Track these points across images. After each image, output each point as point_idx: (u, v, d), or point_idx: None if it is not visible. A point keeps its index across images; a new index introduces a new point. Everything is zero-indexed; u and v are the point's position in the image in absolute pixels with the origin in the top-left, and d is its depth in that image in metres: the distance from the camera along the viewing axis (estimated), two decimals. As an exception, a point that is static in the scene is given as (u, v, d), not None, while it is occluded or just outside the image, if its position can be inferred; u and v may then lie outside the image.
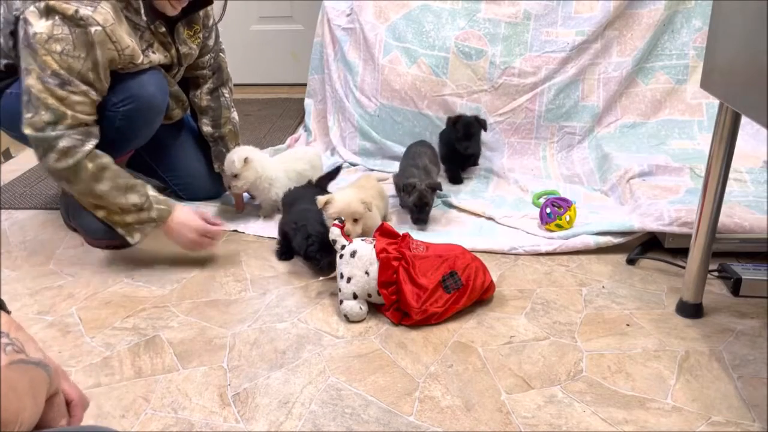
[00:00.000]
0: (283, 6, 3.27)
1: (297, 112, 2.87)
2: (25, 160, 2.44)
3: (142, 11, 1.54)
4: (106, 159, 1.55)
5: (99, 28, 1.47)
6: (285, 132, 2.69)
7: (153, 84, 1.63)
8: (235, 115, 2.01)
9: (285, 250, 1.69)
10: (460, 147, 2.04)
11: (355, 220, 1.57)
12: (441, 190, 1.83)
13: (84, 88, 1.49)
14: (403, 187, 1.81)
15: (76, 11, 1.44)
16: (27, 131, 1.49)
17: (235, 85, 2.09)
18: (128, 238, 1.59)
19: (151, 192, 1.58)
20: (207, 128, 1.96)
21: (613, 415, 1.13)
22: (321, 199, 1.58)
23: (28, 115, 1.49)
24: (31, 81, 1.47)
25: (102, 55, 1.50)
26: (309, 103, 2.58)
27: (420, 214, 1.79)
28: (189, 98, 1.94)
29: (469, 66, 2.27)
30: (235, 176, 1.80)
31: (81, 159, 1.50)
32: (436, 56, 2.27)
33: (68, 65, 1.46)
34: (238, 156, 1.78)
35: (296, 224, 1.59)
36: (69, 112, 1.48)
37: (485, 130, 2.10)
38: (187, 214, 1.61)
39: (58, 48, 1.45)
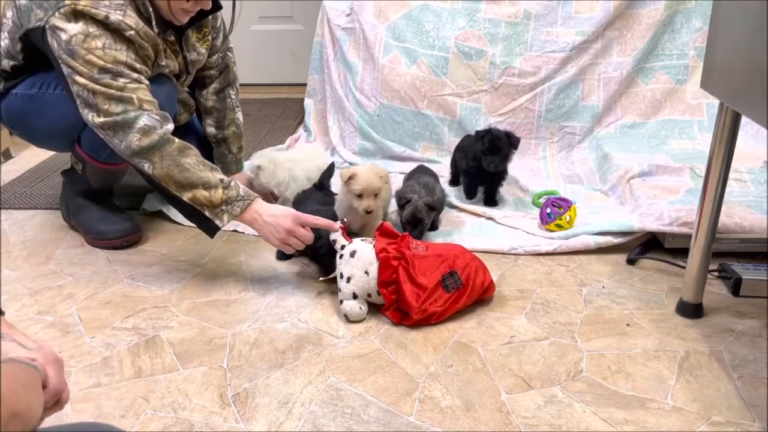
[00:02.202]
0: (283, 6, 3.27)
1: (297, 112, 2.87)
2: (25, 160, 2.44)
3: (153, 21, 1.53)
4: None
5: (133, 31, 1.46)
6: (285, 132, 2.69)
7: (163, 96, 1.60)
8: (239, 115, 2.00)
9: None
10: (484, 162, 1.85)
11: (375, 195, 1.62)
12: (439, 210, 1.76)
13: (135, 75, 1.47)
14: (398, 200, 1.75)
15: (107, 16, 1.42)
16: (98, 121, 1.45)
17: (235, 84, 2.09)
18: (216, 221, 1.47)
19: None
20: (210, 129, 1.96)
21: (613, 415, 1.13)
22: (345, 173, 1.60)
23: (92, 114, 1.45)
24: (82, 82, 1.43)
25: (141, 53, 1.50)
26: (309, 103, 2.58)
27: (413, 231, 1.66)
28: (195, 97, 1.94)
29: (469, 66, 2.27)
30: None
31: (164, 134, 1.46)
32: (436, 56, 2.27)
33: (113, 57, 1.44)
34: (253, 163, 1.91)
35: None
36: (133, 96, 1.45)
37: (515, 148, 1.89)
38: (278, 208, 1.52)
39: (99, 44, 1.43)
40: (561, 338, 1.35)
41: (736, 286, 1.49)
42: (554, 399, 1.17)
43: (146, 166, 1.46)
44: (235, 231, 1.85)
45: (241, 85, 2.04)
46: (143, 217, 1.94)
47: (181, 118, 1.89)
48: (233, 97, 1.97)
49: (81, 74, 1.43)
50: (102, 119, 1.45)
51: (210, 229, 1.50)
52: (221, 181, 1.47)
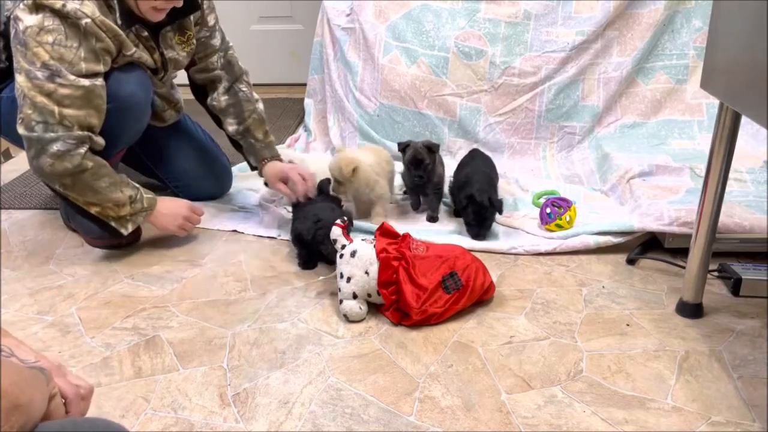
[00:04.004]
0: (283, 6, 3.27)
1: (297, 112, 2.87)
2: (25, 160, 2.43)
3: (117, 14, 1.53)
4: (99, 157, 1.57)
5: (89, 20, 1.47)
6: (285, 132, 2.69)
7: (133, 82, 1.61)
8: (260, 105, 1.92)
9: (306, 258, 1.64)
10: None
11: (339, 183, 1.77)
12: (438, 149, 1.81)
13: (72, 78, 1.47)
14: (398, 146, 1.85)
15: (63, 5, 1.44)
16: (20, 131, 1.50)
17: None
18: (121, 230, 1.64)
19: (135, 183, 1.66)
20: (232, 127, 1.89)
21: (613, 415, 1.13)
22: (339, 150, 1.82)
23: (21, 116, 1.49)
24: (20, 80, 1.47)
25: (96, 45, 1.50)
26: (309, 103, 2.58)
27: (416, 171, 1.76)
28: (207, 105, 1.91)
29: (469, 66, 2.27)
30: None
31: (80, 161, 1.51)
32: (436, 56, 2.27)
33: (60, 55, 1.46)
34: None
35: (306, 215, 1.60)
36: (56, 109, 1.46)
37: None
38: (172, 201, 1.74)
39: (50, 39, 1.45)
40: (561, 338, 1.35)
41: (736, 286, 1.49)
42: (554, 399, 1.17)
43: (56, 185, 1.55)
44: (235, 231, 1.85)
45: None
46: (143, 217, 1.94)
47: (167, 116, 1.89)
48: (245, 90, 1.91)
49: (22, 70, 1.46)
50: (21, 129, 1.49)
51: (113, 233, 1.66)
52: (130, 197, 1.62)
